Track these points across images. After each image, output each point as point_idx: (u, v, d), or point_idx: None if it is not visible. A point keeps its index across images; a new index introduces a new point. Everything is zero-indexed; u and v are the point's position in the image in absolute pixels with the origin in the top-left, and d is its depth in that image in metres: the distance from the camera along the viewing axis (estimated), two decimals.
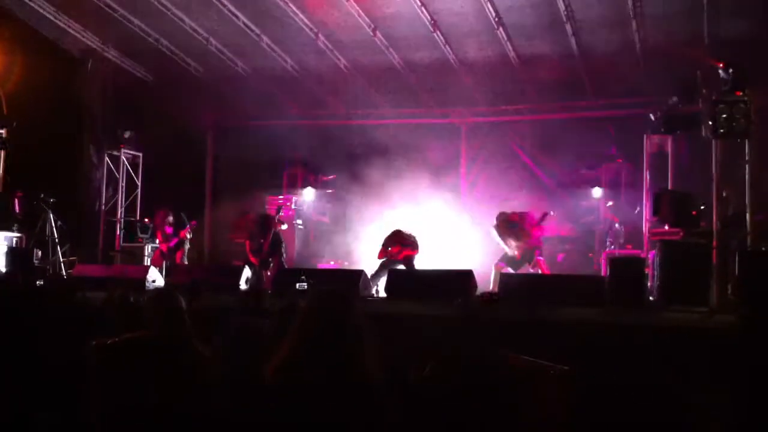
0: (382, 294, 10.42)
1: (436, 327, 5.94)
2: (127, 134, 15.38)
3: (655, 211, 11.04)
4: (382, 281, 10.69)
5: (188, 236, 13.36)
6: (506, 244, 11.90)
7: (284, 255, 12.87)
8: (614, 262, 9.95)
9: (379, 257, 11.75)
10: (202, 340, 4.52)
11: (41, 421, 4.58)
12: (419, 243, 11.90)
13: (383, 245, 11.87)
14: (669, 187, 11.98)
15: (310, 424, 3.19)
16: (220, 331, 5.92)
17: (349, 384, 3.28)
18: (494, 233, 12.09)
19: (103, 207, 14.97)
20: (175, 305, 4.48)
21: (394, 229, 12.02)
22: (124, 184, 15.60)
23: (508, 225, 11.94)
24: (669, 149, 12.60)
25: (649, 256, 10.69)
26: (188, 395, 4.14)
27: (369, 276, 10.97)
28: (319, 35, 13.36)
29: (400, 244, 11.73)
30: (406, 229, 12.14)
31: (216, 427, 4.19)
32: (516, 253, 11.78)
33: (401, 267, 11.60)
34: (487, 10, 12.00)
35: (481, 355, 3.70)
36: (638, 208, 13.31)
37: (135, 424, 4.07)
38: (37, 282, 11.06)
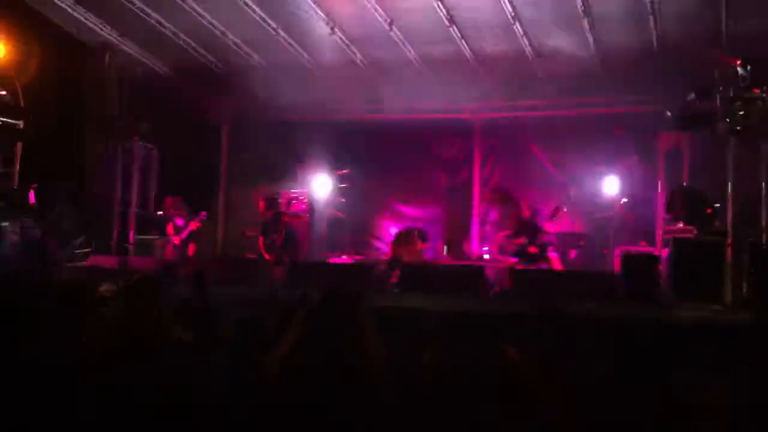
0: (395, 288, 10.46)
1: (445, 320, 5.96)
2: (142, 127, 15.43)
3: (669, 208, 11.01)
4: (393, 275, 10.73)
5: (199, 228, 13.38)
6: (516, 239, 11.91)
7: (297, 250, 12.90)
8: (628, 259, 9.94)
9: (390, 256, 11.77)
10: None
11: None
12: (427, 235, 11.89)
13: (393, 245, 11.88)
14: (684, 185, 11.91)
15: (311, 420, 3.18)
16: (226, 324, 5.93)
17: (351, 381, 3.26)
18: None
19: (117, 199, 15.02)
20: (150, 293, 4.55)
21: (403, 230, 12.02)
22: (138, 177, 15.64)
23: (521, 221, 11.95)
24: (684, 146, 12.53)
25: (663, 253, 10.65)
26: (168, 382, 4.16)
27: (381, 270, 11.00)
28: (336, 30, 13.34)
29: (409, 242, 11.73)
30: (414, 225, 12.16)
31: (216, 420, 4.18)
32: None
33: (411, 260, 11.60)
34: (503, 4, 11.94)
35: (481, 348, 3.67)
36: (652, 206, 13.24)
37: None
38: (51, 273, 11.17)
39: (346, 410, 3.15)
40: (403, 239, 11.74)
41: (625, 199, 14.13)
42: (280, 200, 14.53)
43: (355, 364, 3.25)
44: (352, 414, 3.16)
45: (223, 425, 3.73)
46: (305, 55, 14.59)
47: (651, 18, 11.85)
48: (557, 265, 11.75)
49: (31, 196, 12.44)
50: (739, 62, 9.41)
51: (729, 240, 8.91)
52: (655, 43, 12.56)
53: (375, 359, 3.31)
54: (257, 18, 13.09)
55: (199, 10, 13.01)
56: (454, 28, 12.82)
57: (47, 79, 12.68)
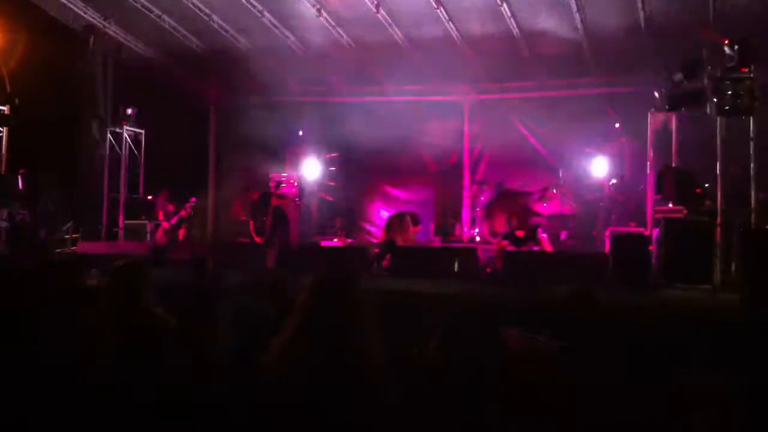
0: (386, 271, 10.45)
1: (439, 304, 5.95)
2: (129, 111, 15.37)
3: (659, 188, 11.03)
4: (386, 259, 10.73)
5: (189, 213, 13.35)
6: (496, 221, 11.96)
7: (288, 233, 12.90)
8: (617, 239, 9.96)
9: (382, 239, 11.76)
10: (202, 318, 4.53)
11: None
12: (419, 219, 11.90)
13: (385, 229, 11.88)
14: (673, 165, 11.94)
15: (309, 409, 3.18)
16: (222, 311, 5.90)
17: (349, 369, 3.26)
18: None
19: (105, 184, 14.95)
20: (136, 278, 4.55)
21: (395, 213, 12.03)
22: (126, 162, 15.59)
23: (510, 201, 11.99)
24: (673, 127, 12.55)
25: (653, 233, 10.68)
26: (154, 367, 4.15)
27: (373, 254, 10.99)
28: (322, 12, 13.27)
29: (402, 226, 11.73)
30: (406, 209, 12.18)
31: (215, 412, 4.18)
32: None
33: (404, 244, 11.61)
34: None
35: (481, 333, 3.69)
36: (641, 186, 13.28)
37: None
38: (45, 260, 11.13)
39: (345, 408, 3.15)
40: (395, 223, 11.72)
41: (614, 180, 14.17)
42: (269, 183, 14.51)
43: (355, 361, 3.24)
44: (351, 412, 3.15)
45: (223, 425, 3.72)
46: (292, 37, 14.51)
47: None
48: (548, 246, 11.78)
49: (20, 182, 12.38)
50: (726, 42, 9.39)
51: (718, 220, 8.93)
52: (642, 24, 12.55)
53: (375, 357, 3.30)
54: (243, 0, 13.01)
55: None
56: (441, 9, 12.77)
57: (33, 64, 12.58)
